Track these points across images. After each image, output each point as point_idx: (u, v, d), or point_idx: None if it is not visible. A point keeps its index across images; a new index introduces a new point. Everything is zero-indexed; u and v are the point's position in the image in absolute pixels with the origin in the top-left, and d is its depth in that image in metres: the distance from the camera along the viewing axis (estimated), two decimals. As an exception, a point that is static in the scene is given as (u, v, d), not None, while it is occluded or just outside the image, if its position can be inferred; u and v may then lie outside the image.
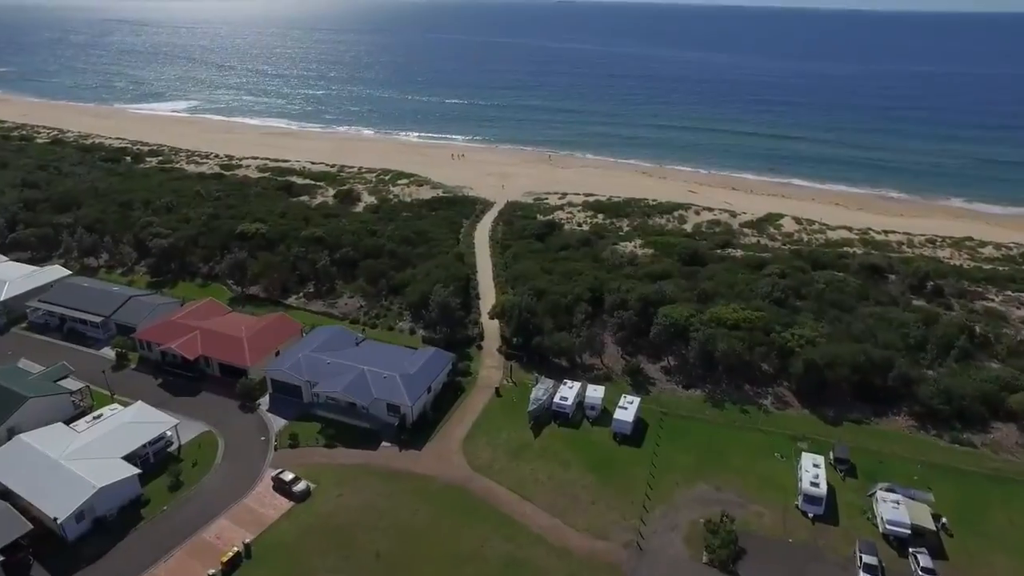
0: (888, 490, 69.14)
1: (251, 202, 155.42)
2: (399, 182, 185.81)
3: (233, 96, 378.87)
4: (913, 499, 67.92)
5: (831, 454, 76.56)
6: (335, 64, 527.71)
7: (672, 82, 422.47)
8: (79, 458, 69.62)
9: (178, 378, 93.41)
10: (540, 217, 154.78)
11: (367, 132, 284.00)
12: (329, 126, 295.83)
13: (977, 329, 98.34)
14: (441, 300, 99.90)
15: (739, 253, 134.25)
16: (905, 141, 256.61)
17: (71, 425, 77.02)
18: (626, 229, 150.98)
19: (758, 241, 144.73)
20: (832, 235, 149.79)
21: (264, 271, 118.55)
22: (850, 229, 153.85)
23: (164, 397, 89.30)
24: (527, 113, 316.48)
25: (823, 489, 68.79)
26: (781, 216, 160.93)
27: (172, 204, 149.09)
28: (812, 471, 70.96)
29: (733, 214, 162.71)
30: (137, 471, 70.32)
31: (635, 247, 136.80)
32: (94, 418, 78.21)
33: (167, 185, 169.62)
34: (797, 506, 69.62)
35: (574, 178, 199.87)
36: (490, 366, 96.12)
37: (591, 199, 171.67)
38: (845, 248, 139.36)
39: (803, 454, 74.83)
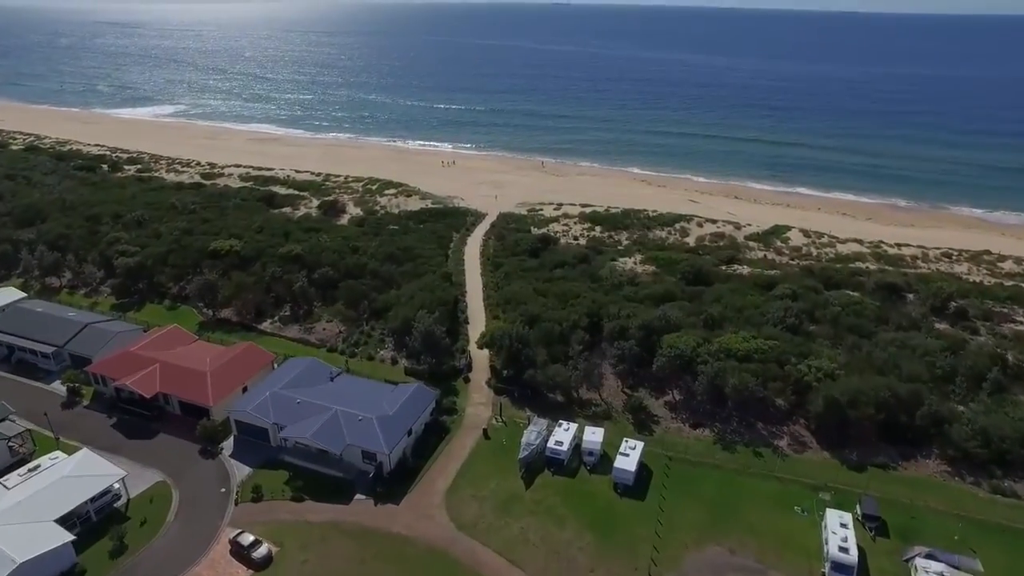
0: (928, 556, 60.77)
1: (228, 215, 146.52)
2: (387, 192, 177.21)
3: (221, 100, 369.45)
4: (958, 568, 59.57)
5: (858, 508, 68.25)
6: (327, 68, 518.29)
7: (670, 86, 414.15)
8: (3, 524, 60.70)
9: (135, 417, 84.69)
10: (534, 230, 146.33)
11: (357, 138, 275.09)
12: (318, 132, 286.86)
13: (1010, 358, 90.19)
14: (425, 328, 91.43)
15: (746, 270, 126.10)
16: (910, 147, 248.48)
17: (1, 479, 68.20)
18: (625, 243, 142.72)
19: (765, 256, 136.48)
20: (842, 249, 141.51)
21: (236, 293, 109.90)
22: (861, 242, 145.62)
23: (117, 440, 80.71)
24: (521, 118, 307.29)
25: (854, 555, 60.18)
26: (788, 228, 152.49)
27: (143, 218, 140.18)
28: (840, 532, 62.44)
29: (737, 226, 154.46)
30: (71, 537, 61.42)
31: (635, 263, 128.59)
32: (29, 470, 69.04)
33: (141, 196, 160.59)
34: (824, 574, 61.28)
35: (570, 187, 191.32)
36: (478, 402, 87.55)
37: (587, 210, 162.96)
38: (857, 263, 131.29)
39: (827, 510, 66.43)
